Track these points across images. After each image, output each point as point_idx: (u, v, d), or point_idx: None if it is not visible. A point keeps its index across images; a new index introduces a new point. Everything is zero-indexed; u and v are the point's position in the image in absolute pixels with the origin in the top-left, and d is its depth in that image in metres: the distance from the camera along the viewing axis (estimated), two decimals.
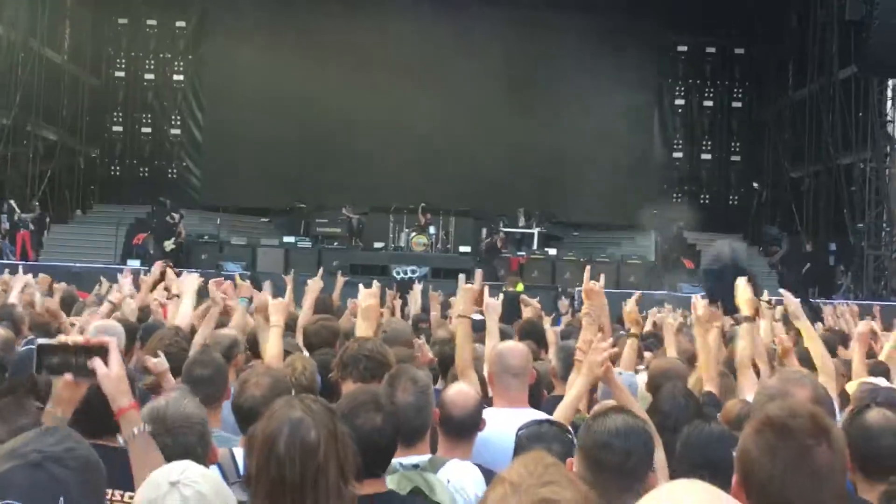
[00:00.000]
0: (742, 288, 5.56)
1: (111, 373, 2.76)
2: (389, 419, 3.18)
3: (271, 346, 4.90)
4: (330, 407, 2.58)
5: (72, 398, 2.80)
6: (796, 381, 3.31)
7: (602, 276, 5.73)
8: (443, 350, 5.56)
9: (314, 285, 7.09)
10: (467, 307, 5.17)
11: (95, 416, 2.91)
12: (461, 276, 5.62)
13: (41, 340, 2.83)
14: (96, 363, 2.74)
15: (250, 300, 5.90)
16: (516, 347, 4.64)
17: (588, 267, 5.85)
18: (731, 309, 6.00)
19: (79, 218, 26.22)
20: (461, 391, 3.96)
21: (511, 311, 7.90)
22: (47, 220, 23.85)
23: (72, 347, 2.77)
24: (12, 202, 22.57)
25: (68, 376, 2.75)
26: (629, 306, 6.63)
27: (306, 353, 4.91)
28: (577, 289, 19.43)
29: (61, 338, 2.82)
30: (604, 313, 5.56)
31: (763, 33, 27.28)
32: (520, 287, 8.20)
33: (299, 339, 5.81)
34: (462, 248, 24.36)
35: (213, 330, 5.38)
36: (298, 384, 4.07)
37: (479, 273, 5.45)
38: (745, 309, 5.47)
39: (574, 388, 4.23)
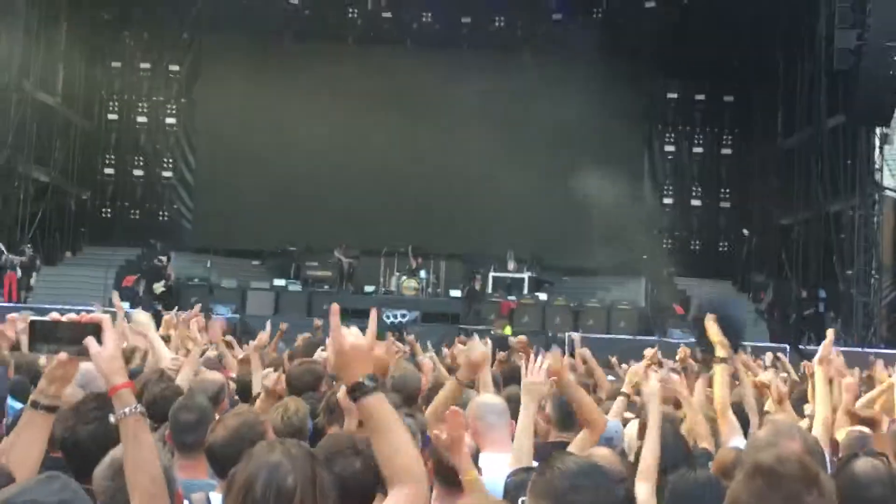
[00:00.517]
0: (713, 329, 5.53)
1: (105, 350, 2.72)
2: (369, 463, 3.06)
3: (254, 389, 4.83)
4: (311, 452, 2.54)
5: (65, 376, 2.79)
6: (786, 432, 3.30)
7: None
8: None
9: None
10: (466, 374, 5.07)
11: (89, 458, 2.88)
12: (474, 336, 5.57)
13: (34, 317, 2.81)
14: (89, 341, 2.71)
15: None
16: (493, 398, 4.70)
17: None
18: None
19: (69, 260, 26.15)
20: None
21: (502, 350, 7.89)
22: (38, 262, 23.77)
23: (65, 325, 2.74)
24: (0, 244, 22.52)
25: (62, 354, 2.73)
26: (634, 373, 6.52)
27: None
28: (567, 335, 19.43)
29: (54, 315, 2.79)
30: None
31: (752, 81, 27.54)
32: (507, 330, 8.18)
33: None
34: (452, 293, 24.36)
35: (195, 372, 5.32)
36: (289, 425, 4.03)
37: (476, 341, 5.38)
38: (718, 350, 5.44)
39: (522, 414, 4.31)
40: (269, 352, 9.06)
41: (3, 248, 22.50)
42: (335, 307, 2.66)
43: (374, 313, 2.77)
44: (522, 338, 8.46)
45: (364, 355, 2.57)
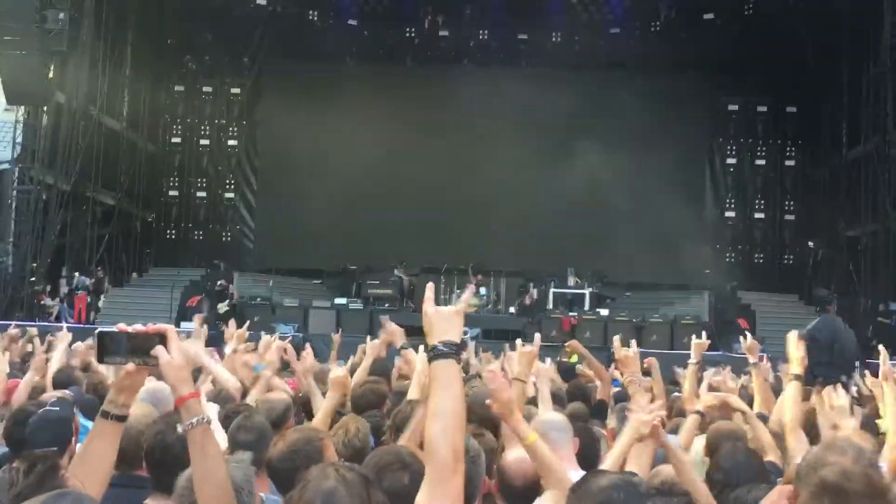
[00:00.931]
0: (793, 344, 5.41)
1: (173, 360, 2.76)
2: (416, 477, 2.98)
3: (319, 419, 4.83)
4: (365, 475, 2.53)
5: (133, 386, 2.83)
6: (838, 448, 3.17)
7: (633, 341, 5.66)
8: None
9: (372, 350, 6.93)
10: (523, 370, 5.09)
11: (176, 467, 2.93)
12: (518, 341, 5.54)
13: (102, 328, 2.84)
14: (159, 350, 2.74)
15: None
16: (555, 414, 4.66)
17: (616, 336, 5.76)
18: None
19: (135, 281, 26.61)
20: (521, 459, 3.85)
21: (568, 380, 7.81)
22: (106, 284, 24.25)
23: (132, 336, 2.78)
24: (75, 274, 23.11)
25: (130, 365, 2.76)
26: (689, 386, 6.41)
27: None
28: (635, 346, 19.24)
29: (121, 326, 2.82)
30: (649, 376, 5.51)
31: (816, 92, 27.08)
32: (574, 358, 8.06)
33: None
34: (513, 309, 24.28)
35: (264, 393, 5.37)
36: (351, 446, 4.03)
37: (537, 337, 5.35)
38: (794, 366, 5.33)
39: (617, 444, 4.21)
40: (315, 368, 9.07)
41: (75, 272, 23.04)
42: (431, 286, 2.79)
43: (471, 287, 2.84)
44: (598, 365, 8.26)
45: (448, 320, 2.63)
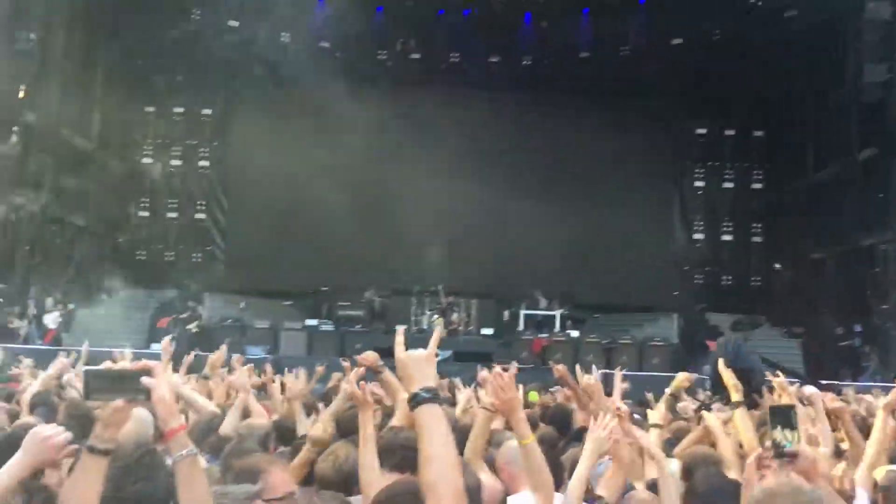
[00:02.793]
0: (726, 375, 5.49)
1: (164, 395, 2.85)
2: None
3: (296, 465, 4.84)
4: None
5: (119, 422, 2.89)
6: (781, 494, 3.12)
7: (594, 367, 5.77)
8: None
9: (345, 394, 6.97)
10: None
11: None
12: (495, 367, 5.59)
13: (88, 367, 2.91)
14: (152, 384, 2.83)
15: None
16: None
17: (577, 365, 5.87)
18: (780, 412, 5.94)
19: (104, 302, 26.42)
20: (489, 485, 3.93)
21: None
22: (71, 307, 24.06)
23: (119, 373, 2.85)
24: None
25: (119, 401, 2.83)
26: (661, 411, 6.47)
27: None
28: (598, 371, 19.38)
29: (107, 364, 2.89)
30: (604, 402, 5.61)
31: (782, 116, 27.52)
32: (534, 397, 8.08)
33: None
34: (484, 331, 24.37)
35: (240, 418, 5.41)
36: (340, 472, 4.10)
37: (513, 365, 5.40)
38: (734, 395, 5.41)
39: (579, 466, 4.33)
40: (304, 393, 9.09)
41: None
42: (401, 329, 2.85)
43: (437, 332, 2.92)
44: (560, 367, 8.34)
45: (421, 366, 2.69)
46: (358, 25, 27.81)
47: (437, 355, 2.76)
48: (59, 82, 23.31)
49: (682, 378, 6.74)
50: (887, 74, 20.06)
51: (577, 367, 5.63)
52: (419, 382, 2.66)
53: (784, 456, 2.89)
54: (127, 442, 3.12)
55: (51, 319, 22.46)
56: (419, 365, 2.69)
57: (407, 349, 2.74)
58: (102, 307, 25.93)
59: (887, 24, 20.25)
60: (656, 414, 6.11)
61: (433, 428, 2.60)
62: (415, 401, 2.64)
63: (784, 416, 2.87)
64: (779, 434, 2.93)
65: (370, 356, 6.05)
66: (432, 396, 2.64)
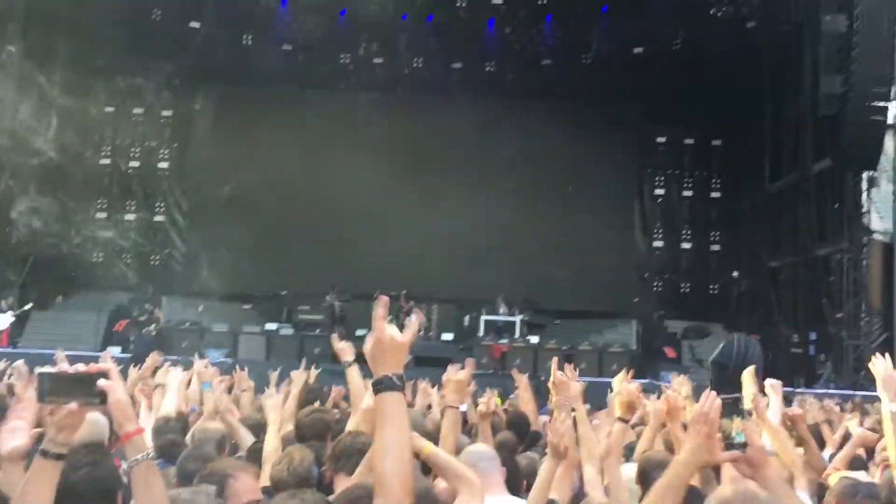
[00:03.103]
0: (747, 381, 5.52)
1: (120, 398, 2.83)
2: None
3: (267, 443, 4.87)
4: (327, 500, 2.61)
5: (73, 425, 2.85)
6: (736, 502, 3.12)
7: (569, 366, 5.79)
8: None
9: (298, 378, 7.06)
10: (455, 397, 5.13)
11: None
12: (450, 367, 5.60)
13: (43, 369, 2.87)
14: (109, 387, 2.80)
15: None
16: (482, 446, 4.79)
17: (555, 359, 5.86)
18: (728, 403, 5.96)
19: (60, 305, 26.09)
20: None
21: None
22: (28, 308, 23.73)
23: (74, 376, 2.82)
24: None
25: (74, 404, 2.79)
26: (619, 388, 6.43)
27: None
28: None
29: (63, 366, 2.86)
30: (577, 401, 5.62)
31: (740, 126, 27.83)
32: (498, 400, 8.10)
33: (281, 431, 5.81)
34: (444, 336, 24.38)
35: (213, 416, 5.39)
36: (296, 474, 4.09)
37: (469, 361, 5.41)
38: (747, 403, 5.43)
39: (540, 472, 4.37)
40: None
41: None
42: (384, 299, 2.71)
43: (416, 316, 2.88)
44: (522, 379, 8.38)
45: (398, 351, 2.62)
46: (320, 29, 27.79)
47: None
48: (15, 83, 22.98)
49: (620, 377, 6.73)
50: (842, 87, 20.33)
51: (553, 361, 5.58)
52: (390, 367, 2.59)
53: (735, 447, 2.91)
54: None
55: (2, 321, 22.14)
56: (394, 349, 2.61)
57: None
58: (58, 310, 25.62)
59: (843, 37, 20.55)
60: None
61: (393, 416, 2.54)
62: (381, 385, 2.56)
63: (733, 407, 2.89)
64: (728, 424, 2.95)
65: (345, 347, 5.96)
66: (399, 384, 2.57)
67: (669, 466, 2.82)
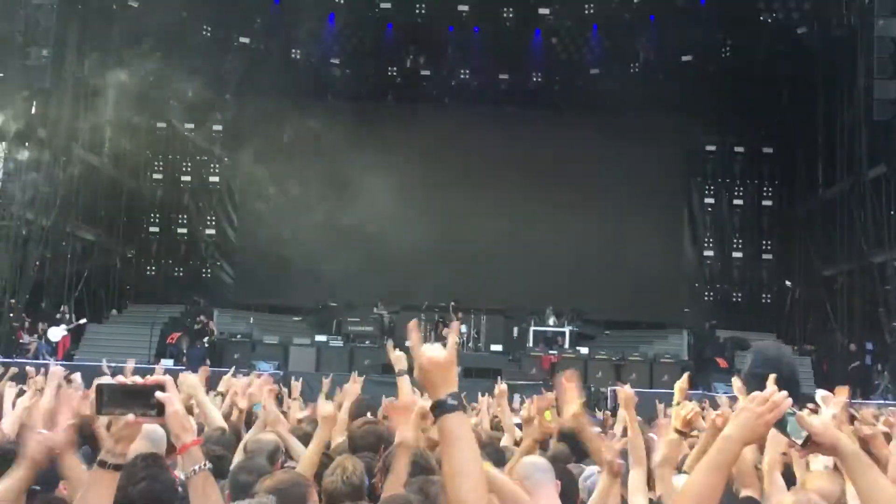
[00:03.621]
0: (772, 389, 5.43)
1: (178, 410, 2.86)
2: None
3: (308, 456, 4.84)
4: None
5: (130, 436, 2.88)
6: None
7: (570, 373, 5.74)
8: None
9: (352, 389, 7.06)
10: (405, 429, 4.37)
11: None
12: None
13: (101, 380, 2.90)
14: (167, 399, 2.82)
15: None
16: (537, 457, 4.75)
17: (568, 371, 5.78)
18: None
19: (114, 317, 26.46)
20: None
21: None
22: (82, 322, 24.08)
23: (131, 388, 2.85)
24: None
25: (131, 416, 2.82)
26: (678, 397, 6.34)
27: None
28: (609, 388, 19.32)
29: (120, 378, 2.89)
30: (629, 408, 5.60)
31: (792, 132, 27.48)
32: (548, 416, 8.01)
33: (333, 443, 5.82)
34: (494, 347, 24.33)
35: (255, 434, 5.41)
36: (350, 484, 4.09)
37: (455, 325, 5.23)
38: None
39: (597, 488, 4.34)
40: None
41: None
42: (412, 327, 2.60)
43: (454, 326, 2.74)
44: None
45: (444, 370, 2.48)
46: (368, 42, 27.98)
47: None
48: (70, 98, 23.40)
49: (683, 381, 6.64)
50: None
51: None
52: (445, 388, 2.45)
53: (806, 443, 2.78)
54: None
55: (55, 334, 22.49)
56: (442, 370, 2.47)
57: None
58: (111, 323, 25.99)
59: None
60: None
61: (462, 439, 2.43)
62: (441, 409, 2.44)
63: (779, 422, 2.80)
64: (783, 433, 2.86)
65: (399, 356, 5.85)
66: (458, 403, 2.45)
67: (715, 442, 2.72)
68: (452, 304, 24.59)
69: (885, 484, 2.61)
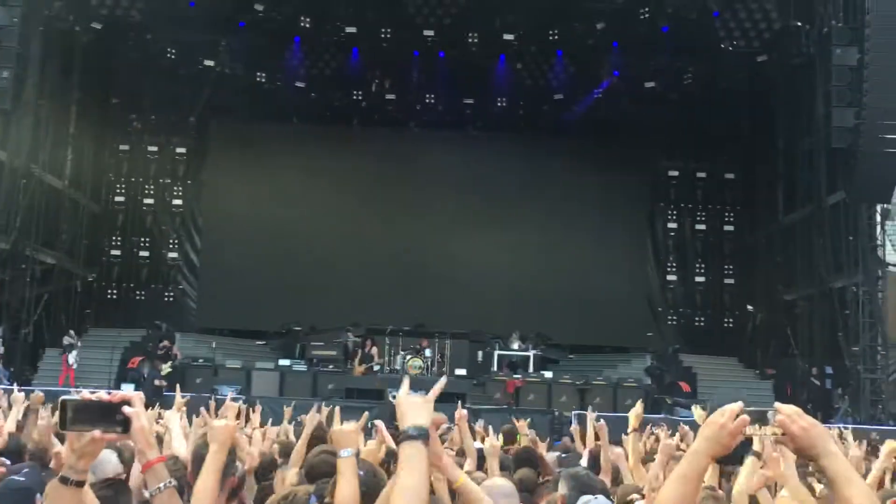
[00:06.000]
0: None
1: (143, 426, 2.82)
2: None
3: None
4: None
5: (93, 452, 2.84)
6: None
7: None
8: None
9: (310, 420, 7.00)
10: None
11: None
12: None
13: (66, 396, 2.86)
14: (133, 415, 2.78)
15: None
16: (502, 480, 4.66)
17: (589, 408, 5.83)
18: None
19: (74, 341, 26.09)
20: None
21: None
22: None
23: (97, 403, 2.81)
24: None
25: (96, 432, 2.78)
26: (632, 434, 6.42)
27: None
28: (575, 413, 19.31)
29: (84, 394, 2.86)
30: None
31: (753, 158, 27.84)
32: (524, 441, 8.05)
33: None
34: (458, 371, 24.28)
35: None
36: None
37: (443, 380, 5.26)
38: (756, 444, 5.33)
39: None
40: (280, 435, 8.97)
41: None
42: (405, 381, 2.93)
43: (441, 382, 3.07)
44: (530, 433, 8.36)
45: (417, 407, 2.80)
46: (333, 66, 28.03)
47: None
48: (31, 120, 23.19)
49: (638, 407, 6.68)
50: (855, 120, 20.36)
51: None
52: (412, 420, 2.76)
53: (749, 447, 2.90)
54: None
55: (73, 357, 22.49)
56: (414, 406, 2.81)
57: (389, 389, 2.86)
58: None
59: (854, 70, 20.61)
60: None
61: (414, 462, 2.69)
62: (403, 435, 2.74)
63: (760, 416, 2.84)
64: (753, 430, 2.89)
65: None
66: (419, 434, 2.73)
67: (684, 457, 2.84)
68: (417, 327, 24.49)
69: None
